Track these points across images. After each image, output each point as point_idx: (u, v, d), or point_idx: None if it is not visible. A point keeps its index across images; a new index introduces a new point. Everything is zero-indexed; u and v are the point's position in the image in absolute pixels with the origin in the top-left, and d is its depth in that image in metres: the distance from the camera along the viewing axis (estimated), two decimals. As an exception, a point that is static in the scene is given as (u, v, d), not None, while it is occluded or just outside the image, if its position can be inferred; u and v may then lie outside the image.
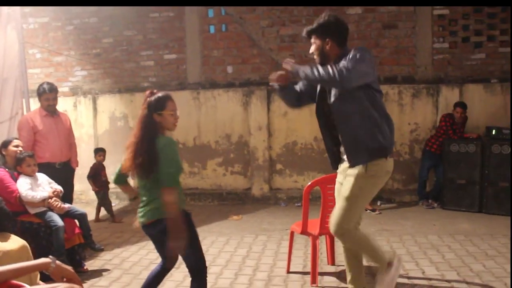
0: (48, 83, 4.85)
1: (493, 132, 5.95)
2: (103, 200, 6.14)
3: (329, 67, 2.63)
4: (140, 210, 2.68)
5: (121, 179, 2.90)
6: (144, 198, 2.66)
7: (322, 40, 2.77)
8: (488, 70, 6.52)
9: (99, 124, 7.29)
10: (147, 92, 2.69)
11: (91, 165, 7.01)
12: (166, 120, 2.63)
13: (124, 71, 7.25)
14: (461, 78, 6.54)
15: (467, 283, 3.59)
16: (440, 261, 4.11)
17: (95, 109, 7.27)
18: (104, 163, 6.46)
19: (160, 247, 2.74)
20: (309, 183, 3.63)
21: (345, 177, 2.90)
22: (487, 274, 3.75)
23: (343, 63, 2.63)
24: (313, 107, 3.03)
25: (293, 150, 6.89)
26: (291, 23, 6.75)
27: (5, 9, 5.13)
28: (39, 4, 6.73)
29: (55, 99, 4.84)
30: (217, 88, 6.99)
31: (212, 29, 6.97)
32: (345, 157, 2.89)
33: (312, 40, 2.82)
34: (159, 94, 2.65)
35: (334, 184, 3.15)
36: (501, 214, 5.60)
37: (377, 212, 5.98)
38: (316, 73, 2.64)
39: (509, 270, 3.79)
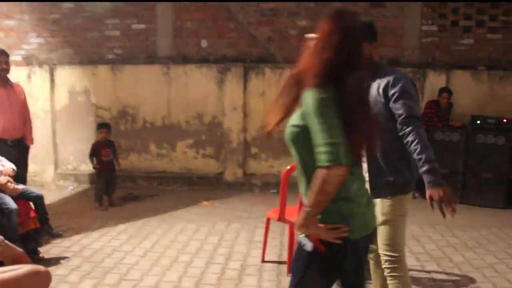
0: None
1: (478, 121, 6.19)
2: (101, 184, 5.74)
3: (412, 138, 2.45)
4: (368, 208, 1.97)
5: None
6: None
7: (368, 47, 2.51)
8: (475, 57, 6.73)
9: (56, 98, 7.11)
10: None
11: (45, 143, 6.87)
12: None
13: (86, 41, 7.09)
14: (448, 63, 6.74)
15: (446, 273, 3.81)
16: (420, 251, 4.31)
17: (52, 81, 7.07)
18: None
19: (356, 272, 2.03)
20: (288, 167, 3.69)
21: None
22: (466, 265, 3.98)
23: (399, 112, 2.49)
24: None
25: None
26: (273, -5, 6.75)
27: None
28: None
29: (7, 63, 4.73)
30: (189, 63, 6.93)
31: (186, -3, 6.89)
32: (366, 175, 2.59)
33: None
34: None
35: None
36: (482, 206, 5.87)
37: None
38: (422, 150, 2.45)
39: (488, 261, 4.06)
